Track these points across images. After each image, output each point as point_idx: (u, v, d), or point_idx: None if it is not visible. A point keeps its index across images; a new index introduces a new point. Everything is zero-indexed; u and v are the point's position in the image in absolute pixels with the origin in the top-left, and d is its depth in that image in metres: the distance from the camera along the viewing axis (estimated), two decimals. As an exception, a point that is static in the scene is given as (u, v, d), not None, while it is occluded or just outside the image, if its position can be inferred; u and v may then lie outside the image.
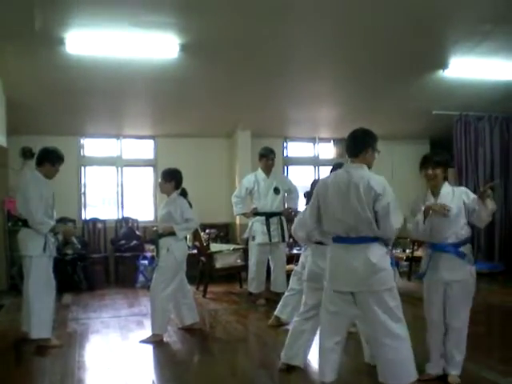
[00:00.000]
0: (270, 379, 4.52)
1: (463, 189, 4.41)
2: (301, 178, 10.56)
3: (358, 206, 3.72)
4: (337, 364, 3.92)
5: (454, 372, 4.25)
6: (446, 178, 4.39)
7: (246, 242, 8.76)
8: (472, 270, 4.28)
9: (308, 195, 5.31)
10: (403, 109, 9.55)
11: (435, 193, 4.34)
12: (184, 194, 6.07)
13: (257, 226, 7.72)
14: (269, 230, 7.65)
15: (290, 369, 4.62)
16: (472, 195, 4.30)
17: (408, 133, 10.56)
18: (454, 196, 4.27)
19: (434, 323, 4.31)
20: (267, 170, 7.85)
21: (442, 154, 4.41)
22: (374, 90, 8.76)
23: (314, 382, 4.16)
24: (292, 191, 8.02)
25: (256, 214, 7.76)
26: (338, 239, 3.89)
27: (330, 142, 11.21)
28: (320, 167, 11.13)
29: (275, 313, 6.23)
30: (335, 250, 3.92)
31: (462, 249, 4.23)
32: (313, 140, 11.14)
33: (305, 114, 9.72)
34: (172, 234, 5.87)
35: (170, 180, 6.00)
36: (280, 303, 6.17)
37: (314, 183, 4.87)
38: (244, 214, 8.04)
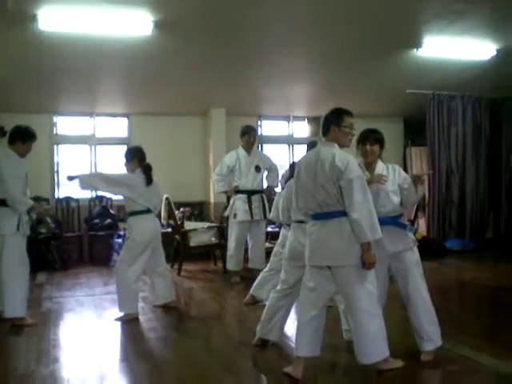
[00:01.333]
0: (245, 355, 4.56)
1: (396, 166, 4.44)
2: (275, 156, 10.58)
3: (325, 182, 3.79)
4: (314, 339, 3.95)
5: (427, 348, 4.29)
6: (380, 156, 4.43)
7: (221, 220, 8.80)
8: (413, 238, 4.34)
9: (285, 178, 5.37)
10: (377, 87, 9.59)
11: (370, 169, 4.38)
12: (147, 169, 6.00)
13: (239, 203, 7.72)
14: (250, 207, 7.67)
15: (265, 344, 4.67)
16: (403, 174, 4.37)
17: (382, 111, 10.61)
18: (388, 173, 4.33)
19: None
20: (248, 148, 7.83)
21: (379, 132, 4.43)
22: (348, 69, 8.79)
23: (290, 356, 4.20)
24: (272, 169, 8.04)
25: (238, 191, 7.77)
26: (313, 215, 3.95)
27: (304, 120, 11.23)
28: (294, 145, 11.16)
29: (251, 291, 6.26)
30: (312, 226, 3.97)
31: (400, 220, 4.32)
32: (287, 118, 11.16)
33: (279, 92, 9.72)
34: (135, 213, 5.88)
35: (132, 158, 5.96)
36: (257, 281, 6.18)
37: (293, 166, 4.92)
38: (225, 192, 8.02)
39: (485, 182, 10.40)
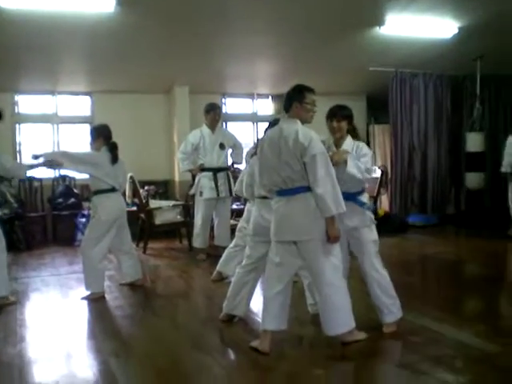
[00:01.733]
0: (213, 330, 4.61)
1: (361, 144, 4.48)
2: (240, 134, 10.59)
3: (289, 158, 3.84)
4: (280, 313, 4.03)
5: (388, 320, 4.40)
6: (349, 132, 4.48)
7: (186, 198, 8.81)
8: (372, 217, 4.41)
9: (250, 154, 5.39)
10: (341, 65, 9.63)
11: (338, 146, 4.43)
12: (113, 147, 5.97)
13: (204, 181, 7.71)
14: (216, 184, 7.68)
15: (231, 319, 4.74)
16: (364, 151, 4.39)
17: (345, 89, 10.65)
18: (353, 148, 4.39)
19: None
20: (213, 126, 7.80)
21: (347, 108, 4.48)
22: (312, 47, 8.80)
23: (256, 331, 4.26)
24: (237, 147, 8.05)
25: (203, 169, 7.76)
26: (278, 191, 4.00)
27: (268, 97, 11.25)
28: (259, 123, 11.18)
29: (217, 268, 6.30)
30: (277, 202, 4.03)
31: (360, 197, 4.38)
32: (251, 96, 11.16)
33: (243, 69, 9.71)
34: (100, 192, 5.86)
35: (98, 137, 5.93)
36: (222, 258, 6.23)
37: (258, 143, 4.95)
38: (191, 170, 8.02)
39: (446, 158, 10.56)
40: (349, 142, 4.44)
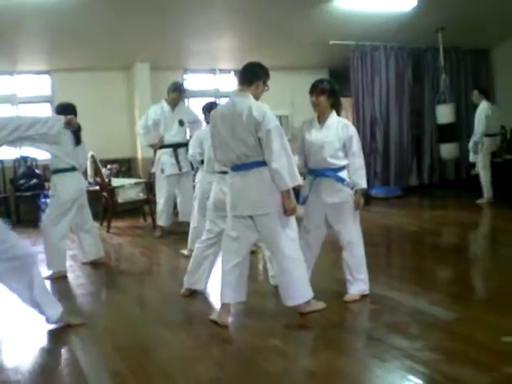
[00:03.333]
0: (174, 305, 4.64)
1: (348, 124, 4.45)
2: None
3: (244, 134, 3.84)
4: (238, 286, 4.07)
5: (352, 291, 4.45)
6: (333, 107, 4.46)
7: (149, 175, 8.77)
8: (351, 193, 4.41)
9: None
10: (302, 39, 9.62)
11: (321, 120, 4.44)
12: (76, 129, 5.87)
13: (165, 158, 7.64)
14: (178, 160, 7.64)
15: (192, 293, 4.77)
16: (351, 132, 4.37)
17: (307, 63, 10.65)
18: (338, 126, 4.38)
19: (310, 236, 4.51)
20: (173, 104, 7.73)
21: (329, 82, 4.46)
22: (273, 21, 8.77)
23: (217, 304, 4.29)
24: (197, 122, 8.00)
25: (163, 146, 7.71)
26: (233, 167, 4.02)
27: (230, 73, 11.19)
28: (221, 99, 11.12)
29: (189, 245, 6.20)
30: (232, 178, 4.04)
31: (340, 174, 4.38)
32: (213, 71, 11.10)
33: (204, 45, 9.63)
34: (60, 171, 5.81)
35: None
36: (191, 236, 6.21)
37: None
38: (152, 146, 7.97)
39: (408, 130, 10.65)
40: (334, 119, 4.42)
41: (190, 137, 7.81)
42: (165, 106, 7.71)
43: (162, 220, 7.79)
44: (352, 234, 4.46)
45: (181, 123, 7.72)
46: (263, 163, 3.87)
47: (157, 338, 3.92)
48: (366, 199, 9.82)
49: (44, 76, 10.10)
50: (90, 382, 3.21)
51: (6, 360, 3.64)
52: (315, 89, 4.40)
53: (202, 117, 6.52)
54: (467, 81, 11.23)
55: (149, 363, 3.46)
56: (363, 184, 4.39)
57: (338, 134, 4.35)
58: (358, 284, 4.46)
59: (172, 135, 7.68)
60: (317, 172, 4.41)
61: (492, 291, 4.80)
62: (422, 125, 10.82)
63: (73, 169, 5.87)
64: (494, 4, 8.82)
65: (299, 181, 3.90)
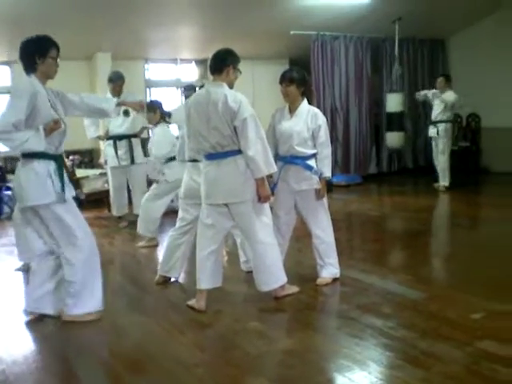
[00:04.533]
0: (149, 293, 4.71)
1: (318, 113, 4.53)
2: (163, 100, 10.55)
3: (219, 123, 3.89)
4: (214, 271, 4.16)
5: (324, 275, 4.59)
6: (304, 95, 4.53)
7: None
8: (318, 180, 4.49)
9: None
10: (263, 28, 9.65)
11: (292, 109, 4.53)
12: None
13: (108, 149, 7.58)
14: (117, 153, 7.50)
15: (167, 281, 4.85)
16: (319, 121, 4.46)
17: (268, 53, 10.72)
18: (307, 116, 4.47)
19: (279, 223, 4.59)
20: (116, 94, 7.42)
21: (298, 72, 4.51)
22: (233, 11, 8.79)
23: (191, 291, 4.35)
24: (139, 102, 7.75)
25: (109, 137, 7.59)
26: (207, 156, 4.07)
27: (191, 62, 11.20)
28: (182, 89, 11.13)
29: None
30: (207, 166, 4.10)
31: (309, 162, 4.48)
32: (174, 61, 11.08)
33: (165, 34, 9.60)
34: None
35: None
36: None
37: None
38: (98, 137, 7.94)
39: (367, 119, 10.84)
40: (304, 108, 4.50)
41: (144, 128, 7.70)
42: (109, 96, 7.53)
43: (114, 210, 7.81)
44: (321, 220, 4.58)
45: (126, 113, 7.44)
46: (238, 152, 3.94)
47: (137, 325, 3.98)
48: (328, 187, 10.08)
49: (4, 67, 9.94)
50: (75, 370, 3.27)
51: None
52: (284, 78, 4.47)
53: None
54: (423, 70, 11.49)
55: (133, 351, 3.54)
56: (327, 173, 4.50)
57: (306, 123, 4.45)
58: (329, 268, 4.60)
59: (116, 126, 7.53)
60: (286, 159, 4.51)
61: (454, 272, 5.02)
62: (381, 114, 11.01)
63: None
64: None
65: (275, 168, 4.01)
